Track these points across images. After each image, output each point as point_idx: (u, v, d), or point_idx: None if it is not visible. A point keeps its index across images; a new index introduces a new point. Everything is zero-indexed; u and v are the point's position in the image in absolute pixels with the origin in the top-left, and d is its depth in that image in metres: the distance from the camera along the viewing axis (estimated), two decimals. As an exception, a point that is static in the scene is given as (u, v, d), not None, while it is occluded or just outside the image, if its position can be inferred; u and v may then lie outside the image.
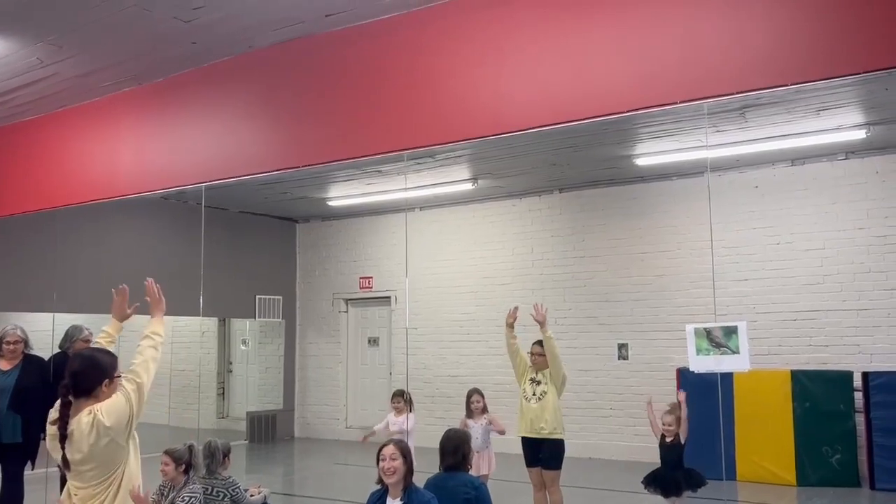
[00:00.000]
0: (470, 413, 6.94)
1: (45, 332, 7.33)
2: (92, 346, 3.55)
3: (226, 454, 5.38)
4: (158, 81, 6.59)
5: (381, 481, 4.08)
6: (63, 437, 3.02)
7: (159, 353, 3.28)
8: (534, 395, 6.45)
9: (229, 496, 5.31)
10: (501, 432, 6.86)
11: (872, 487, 8.11)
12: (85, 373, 3.14)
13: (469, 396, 7.00)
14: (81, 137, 7.26)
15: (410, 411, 7.33)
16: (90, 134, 7.20)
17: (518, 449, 6.56)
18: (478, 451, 6.79)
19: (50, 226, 8.69)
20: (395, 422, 7.21)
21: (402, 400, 7.32)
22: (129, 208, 9.74)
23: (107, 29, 5.51)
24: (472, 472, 6.70)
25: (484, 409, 6.93)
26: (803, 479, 8.38)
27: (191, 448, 5.26)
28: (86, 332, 6.86)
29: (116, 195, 7.04)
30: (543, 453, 6.39)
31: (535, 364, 6.59)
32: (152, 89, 6.67)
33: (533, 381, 6.53)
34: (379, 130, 5.36)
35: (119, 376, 3.20)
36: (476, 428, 6.80)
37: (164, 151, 6.63)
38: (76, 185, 7.26)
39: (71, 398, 3.09)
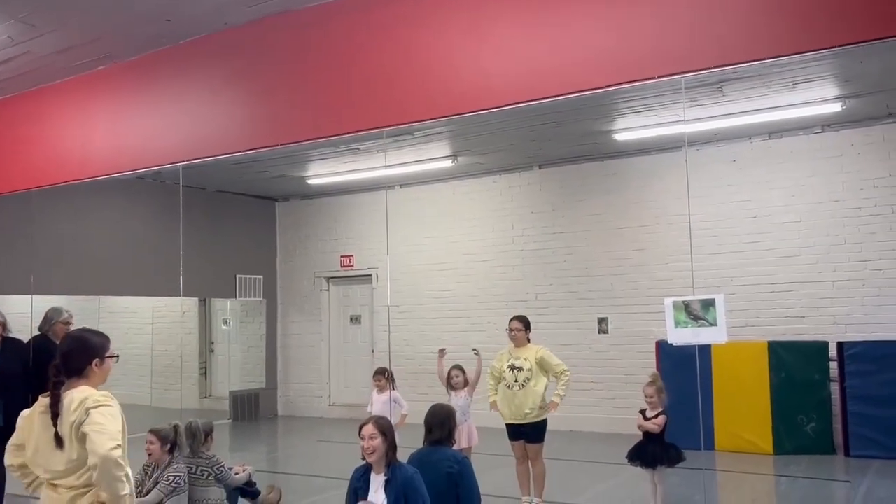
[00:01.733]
0: (451, 387, 7.00)
1: (23, 314, 7.27)
2: None
3: (208, 433, 5.40)
4: (133, 59, 6.50)
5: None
6: (56, 415, 3.06)
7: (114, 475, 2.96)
8: (515, 381, 6.37)
9: (213, 475, 5.34)
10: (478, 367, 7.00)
11: (847, 454, 8.29)
12: (75, 353, 3.17)
13: (448, 372, 7.07)
14: (55, 117, 7.16)
15: (393, 388, 7.35)
16: (64, 113, 7.10)
17: (500, 423, 6.62)
18: (458, 425, 6.87)
19: (25, 207, 8.57)
20: (378, 400, 7.25)
21: (383, 378, 7.35)
22: (106, 189, 9.64)
23: (80, 6, 5.42)
24: (454, 446, 6.79)
25: (465, 383, 6.98)
26: (780, 448, 8.54)
27: (176, 428, 5.28)
28: (65, 315, 6.81)
29: (92, 175, 6.97)
30: (526, 428, 6.43)
31: (513, 340, 6.54)
32: (127, 67, 6.58)
33: (512, 367, 6.42)
34: (357, 108, 5.34)
35: (112, 357, 3.24)
36: (455, 401, 6.85)
37: (139, 131, 6.56)
38: (51, 165, 7.17)
39: (63, 378, 3.12)
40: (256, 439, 11.41)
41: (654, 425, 6.14)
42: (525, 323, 6.59)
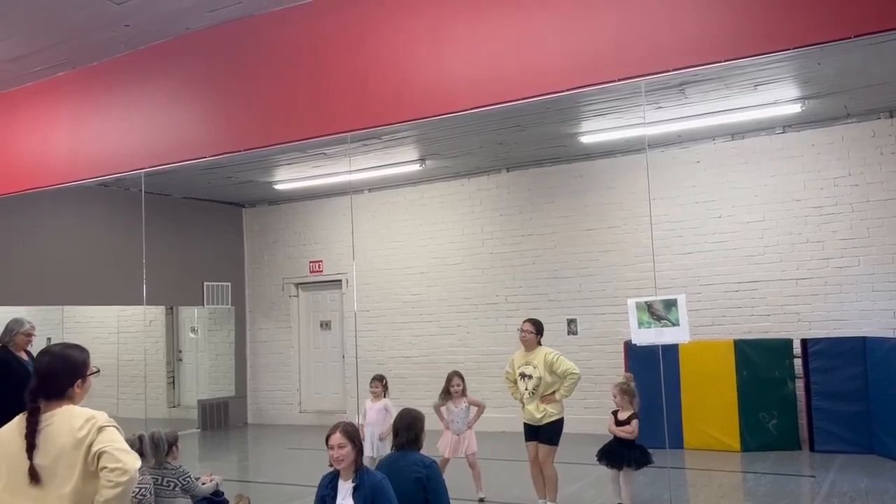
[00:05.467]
0: (449, 396, 6.88)
1: (-17, 326, 7.10)
2: None
3: (172, 444, 5.32)
4: (92, 66, 6.42)
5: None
6: (32, 447, 2.61)
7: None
8: (526, 389, 6.24)
9: (180, 485, 5.27)
10: (481, 407, 6.88)
11: (812, 449, 8.41)
12: (58, 373, 2.75)
13: (449, 380, 6.94)
14: (13, 125, 7.03)
15: (385, 396, 7.19)
16: (22, 121, 6.98)
17: (510, 427, 6.57)
18: (458, 434, 6.79)
19: (-17, 217, 8.43)
20: (373, 408, 7.12)
21: (380, 384, 7.18)
22: (66, 196, 9.49)
23: (36, 12, 5.34)
24: (455, 454, 6.72)
25: (464, 392, 6.89)
26: (747, 445, 8.64)
27: (141, 438, 5.19)
28: (27, 326, 6.69)
29: (52, 184, 6.87)
30: (541, 430, 6.27)
31: (523, 342, 6.37)
32: (86, 74, 6.49)
33: (523, 375, 6.28)
34: (320, 112, 5.32)
35: (93, 373, 2.87)
36: (456, 412, 6.79)
37: (100, 138, 6.47)
38: (9, 173, 7.05)
39: (40, 403, 2.69)
40: (226, 448, 11.28)
41: (627, 434, 6.13)
42: (537, 326, 6.40)
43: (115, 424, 2.70)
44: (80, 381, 2.79)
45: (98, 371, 2.92)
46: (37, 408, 2.69)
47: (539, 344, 6.39)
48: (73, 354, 2.84)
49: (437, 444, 6.84)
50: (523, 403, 6.30)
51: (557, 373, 6.20)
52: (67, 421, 2.65)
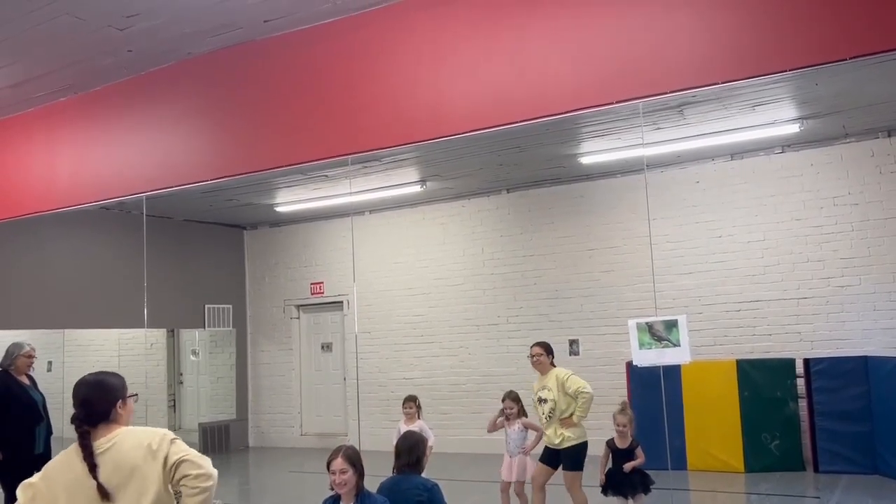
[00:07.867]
0: (504, 418, 6.73)
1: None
2: None
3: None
4: (95, 90, 6.47)
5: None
6: (94, 467, 2.72)
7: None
8: (543, 413, 6.22)
9: (180, 510, 5.24)
10: (538, 432, 6.65)
11: (816, 470, 8.36)
12: (96, 398, 2.86)
13: (503, 401, 6.77)
14: (16, 149, 7.08)
15: (419, 417, 7.00)
16: (25, 146, 7.03)
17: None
18: (511, 457, 6.64)
19: (-14, 241, 8.45)
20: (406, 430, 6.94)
21: (413, 405, 7.02)
22: (68, 220, 9.51)
23: (39, 38, 5.39)
24: (511, 477, 6.58)
25: (519, 414, 6.70)
26: (751, 466, 8.58)
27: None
28: (27, 348, 6.70)
29: (55, 207, 6.90)
30: (562, 455, 6.17)
31: (536, 367, 6.34)
32: (89, 99, 6.54)
33: (540, 400, 6.25)
34: (321, 135, 5.35)
35: (132, 396, 2.98)
36: (510, 432, 6.65)
37: (102, 162, 6.51)
38: (12, 198, 7.09)
39: (87, 427, 2.80)
40: (227, 472, 11.21)
41: (641, 461, 6.01)
42: (546, 348, 6.35)
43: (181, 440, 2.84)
44: (120, 402, 2.90)
45: (137, 396, 3.01)
46: (86, 432, 2.78)
47: (553, 365, 6.33)
48: (108, 379, 2.95)
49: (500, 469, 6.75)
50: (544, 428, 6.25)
51: (569, 393, 6.10)
52: (134, 437, 2.78)
